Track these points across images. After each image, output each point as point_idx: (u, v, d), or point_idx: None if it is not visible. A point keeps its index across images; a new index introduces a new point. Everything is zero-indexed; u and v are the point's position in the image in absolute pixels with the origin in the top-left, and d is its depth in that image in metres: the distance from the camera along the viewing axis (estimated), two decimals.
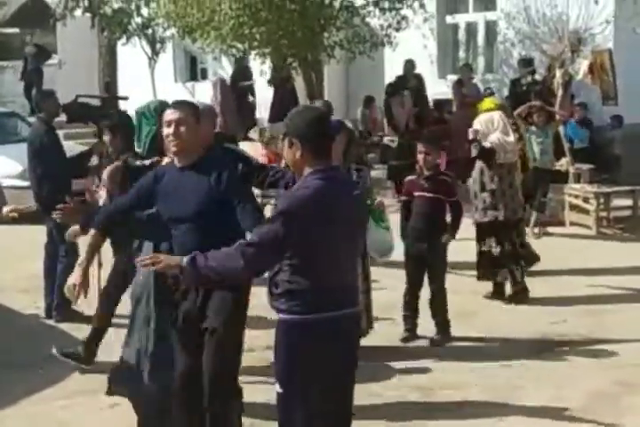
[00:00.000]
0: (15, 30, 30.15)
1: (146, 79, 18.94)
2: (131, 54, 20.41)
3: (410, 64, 16.58)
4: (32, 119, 17.26)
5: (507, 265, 9.01)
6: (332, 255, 4.27)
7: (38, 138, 8.77)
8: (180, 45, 20.99)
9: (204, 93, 17.91)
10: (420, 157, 7.87)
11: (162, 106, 9.73)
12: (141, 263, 4.32)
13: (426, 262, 7.85)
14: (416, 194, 7.87)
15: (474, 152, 8.91)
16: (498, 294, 9.09)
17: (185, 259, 4.18)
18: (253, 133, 14.97)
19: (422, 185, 7.85)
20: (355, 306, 4.43)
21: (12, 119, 16.91)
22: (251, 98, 18.33)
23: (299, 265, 4.25)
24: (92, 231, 5.38)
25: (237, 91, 17.71)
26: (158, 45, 18.91)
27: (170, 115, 5.09)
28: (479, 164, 8.99)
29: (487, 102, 9.59)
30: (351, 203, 4.34)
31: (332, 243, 4.24)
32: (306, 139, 4.24)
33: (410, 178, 8.11)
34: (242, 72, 18.12)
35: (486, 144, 8.83)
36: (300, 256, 4.24)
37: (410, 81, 16.30)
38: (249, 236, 4.72)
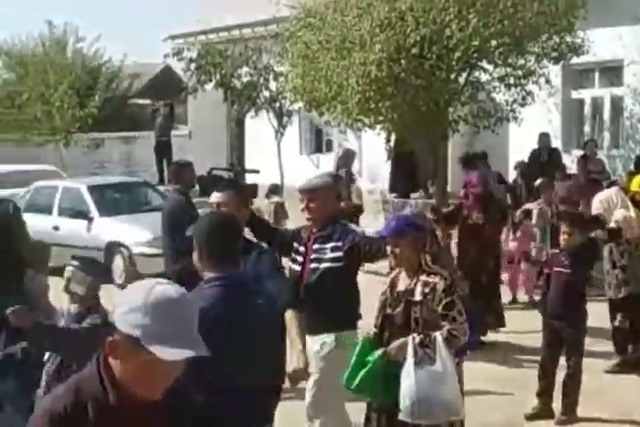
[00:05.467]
0: (146, 101, 31.18)
1: (272, 151, 19.35)
2: (258, 127, 20.90)
3: (545, 137, 16.54)
4: (162, 188, 17.86)
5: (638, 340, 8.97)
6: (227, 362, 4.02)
7: (176, 208, 8.95)
8: (306, 118, 21.42)
9: (328, 165, 18.19)
10: (563, 237, 7.88)
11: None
12: None
13: (561, 340, 7.79)
14: (555, 269, 7.87)
15: (600, 234, 8.86)
16: (623, 366, 8.98)
17: None
18: None
19: (562, 262, 7.82)
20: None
21: (142, 189, 17.50)
22: None
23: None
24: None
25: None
26: (285, 118, 19.34)
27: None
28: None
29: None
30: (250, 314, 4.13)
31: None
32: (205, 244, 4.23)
33: (553, 251, 8.19)
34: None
35: (611, 225, 8.85)
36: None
37: (543, 155, 16.24)
38: None
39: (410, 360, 5.33)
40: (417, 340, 5.35)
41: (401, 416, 5.38)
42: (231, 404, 4.07)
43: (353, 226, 6.45)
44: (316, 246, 6.18)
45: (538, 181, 13.49)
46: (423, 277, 5.48)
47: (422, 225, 5.81)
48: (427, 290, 5.43)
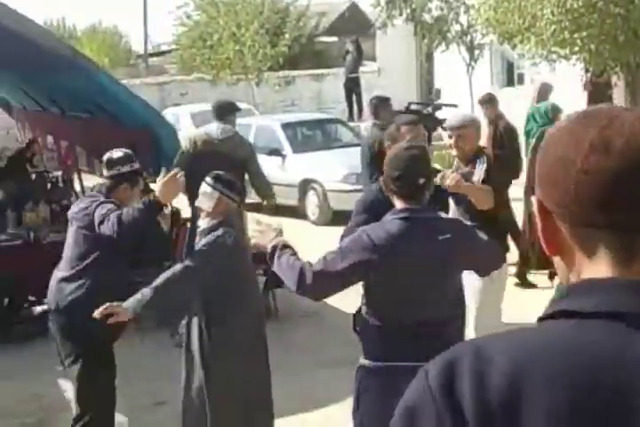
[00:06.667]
0: (334, 39, 31.27)
1: (462, 85, 19.11)
2: (447, 61, 20.66)
3: None
4: (352, 124, 17.95)
5: None
6: (403, 298, 4.20)
7: (374, 144, 8.98)
8: (497, 51, 21.03)
9: (518, 98, 17.84)
10: None
11: (553, 109, 9.79)
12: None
13: None
14: None
15: None
16: None
17: (270, 245, 4.24)
18: None
19: None
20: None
21: (334, 125, 17.63)
22: None
23: (368, 306, 4.27)
24: None
25: None
26: (476, 52, 19.04)
27: None
28: None
29: None
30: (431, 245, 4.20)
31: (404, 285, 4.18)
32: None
33: None
34: None
35: None
36: (368, 297, 4.27)
37: None
38: None
39: None
40: None
41: None
42: (396, 335, 4.20)
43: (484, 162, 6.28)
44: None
45: None
46: None
47: None
48: None
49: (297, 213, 14.80)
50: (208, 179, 5.37)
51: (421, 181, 4.25)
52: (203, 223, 5.37)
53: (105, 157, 5.81)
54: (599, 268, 1.31)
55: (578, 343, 1.25)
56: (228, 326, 5.20)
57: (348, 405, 6.51)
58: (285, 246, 4.26)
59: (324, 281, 4.10)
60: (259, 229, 4.44)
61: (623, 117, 1.30)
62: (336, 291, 4.29)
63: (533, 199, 1.39)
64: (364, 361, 4.35)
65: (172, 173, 5.38)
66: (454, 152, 6.26)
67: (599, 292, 1.28)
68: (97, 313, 4.86)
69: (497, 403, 1.23)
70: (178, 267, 5.15)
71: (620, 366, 1.23)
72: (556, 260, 1.40)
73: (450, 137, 6.26)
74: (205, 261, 5.10)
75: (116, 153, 5.80)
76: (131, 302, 4.93)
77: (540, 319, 1.33)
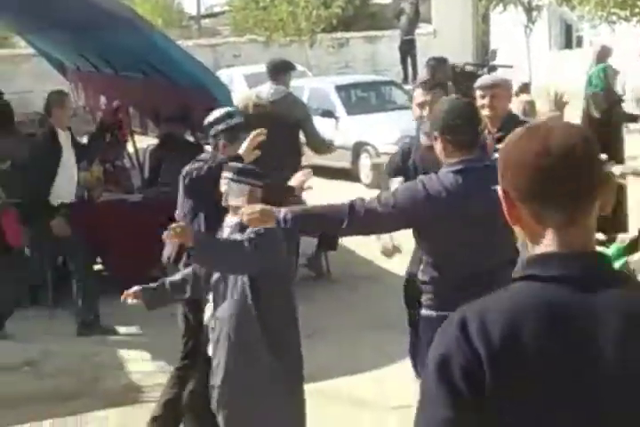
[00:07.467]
0: (388, 0, 30.96)
1: (519, 47, 18.85)
2: (504, 22, 20.37)
3: None
4: (407, 87, 17.76)
5: None
6: (457, 250, 4.25)
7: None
8: (555, 13, 20.68)
9: (577, 61, 17.58)
10: None
11: (604, 70, 9.63)
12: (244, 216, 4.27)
13: None
14: None
15: None
16: None
17: (280, 216, 4.14)
18: None
19: None
20: None
21: (388, 87, 17.47)
22: None
23: (426, 257, 4.37)
24: None
25: None
26: (534, 13, 18.74)
27: None
28: None
29: None
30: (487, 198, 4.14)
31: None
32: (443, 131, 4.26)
33: None
34: None
35: None
36: (424, 248, 4.39)
37: None
38: None
39: None
40: None
41: None
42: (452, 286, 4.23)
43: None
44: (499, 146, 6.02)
45: None
46: None
47: None
48: None
49: (350, 175, 14.72)
50: (231, 175, 4.89)
51: (469, 131, 4.28)
52: (231, 220, 4.92)
53: (205, 122, 5.91)
54: (547, 234, 1.88)
55: (547, 299, 1.82)
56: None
57: (398, 366, 6.54)
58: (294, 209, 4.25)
59: (375, 219, 4.18)
60: (254, 213, 4.22)
61: (557, 130, 1.87)
62: (384, 231, 4.56)
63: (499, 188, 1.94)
64: (425, 312, 4.37)
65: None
66: (486, 112, 6.07)
67: (550, 263, 1.85)
68: (166, 234, 4.57)
69: (498, 343, 1.78)
70: (242, 240, 4.70)
71: (576, 315, 1.82)
72: (517, 229, 1.94)
73: (482, 97, 6.11)
74: (260, 247, 4.62)
75: (214, 114, 5.90)
76: (198, 232, 4.98)
77: (514, 280, 1.89)
